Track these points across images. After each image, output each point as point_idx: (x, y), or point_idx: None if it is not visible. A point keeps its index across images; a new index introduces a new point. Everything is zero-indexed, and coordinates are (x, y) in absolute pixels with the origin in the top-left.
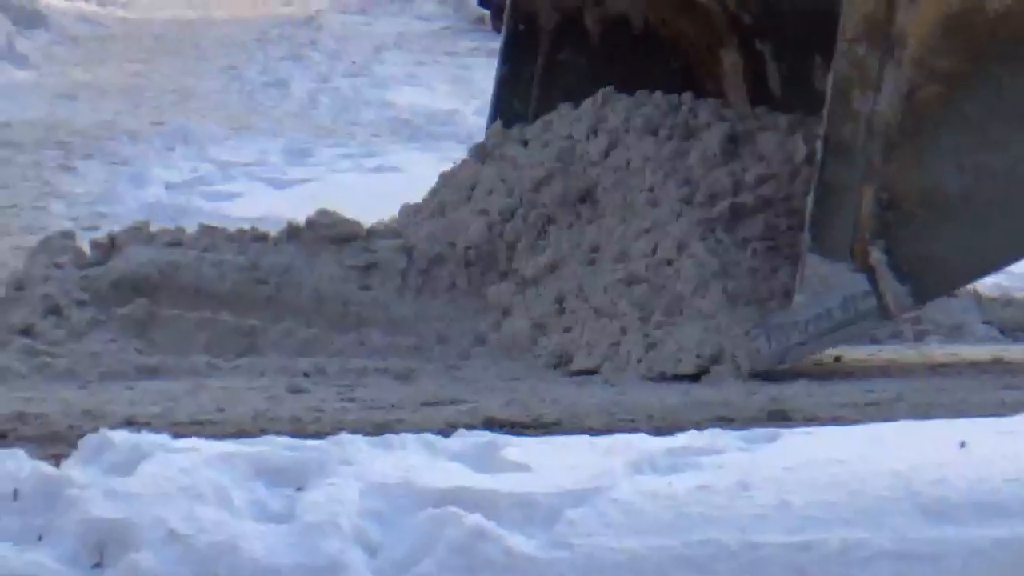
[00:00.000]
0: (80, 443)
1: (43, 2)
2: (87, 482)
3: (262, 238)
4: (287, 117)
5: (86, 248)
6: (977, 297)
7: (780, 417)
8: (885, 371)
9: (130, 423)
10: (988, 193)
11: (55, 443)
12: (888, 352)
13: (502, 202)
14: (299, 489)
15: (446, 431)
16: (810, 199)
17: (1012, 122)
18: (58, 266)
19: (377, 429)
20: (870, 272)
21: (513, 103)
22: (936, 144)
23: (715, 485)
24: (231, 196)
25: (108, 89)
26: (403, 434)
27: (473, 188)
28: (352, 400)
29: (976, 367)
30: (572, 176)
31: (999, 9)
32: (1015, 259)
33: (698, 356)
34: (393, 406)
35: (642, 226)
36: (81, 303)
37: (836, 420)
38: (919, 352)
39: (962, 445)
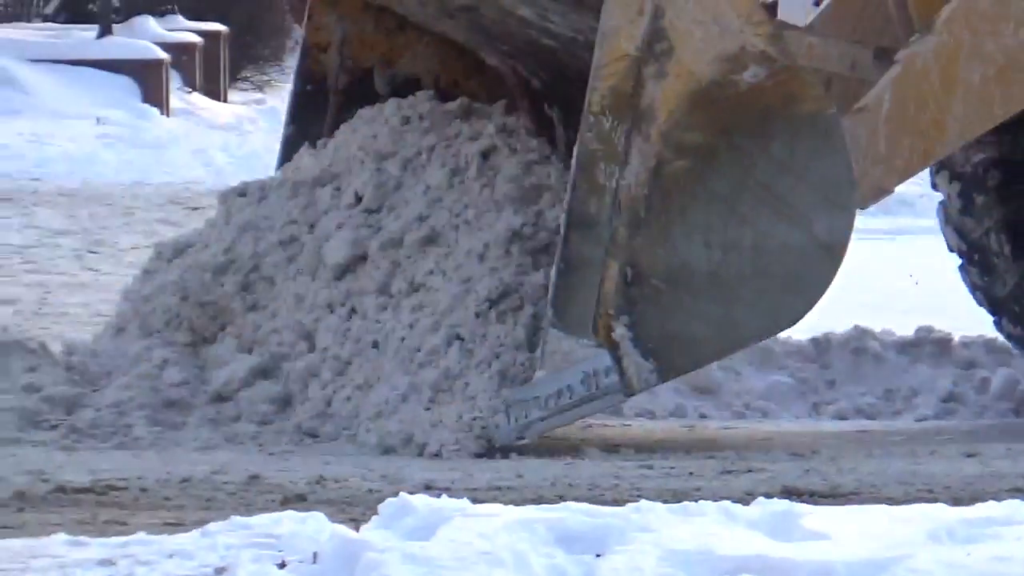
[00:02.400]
0: (380, 507)
1: None
2: (386, 546)
3: None
4: None
5: None
6: None
7: None
8: None
9: (428, 488)
10: (736, 269)
11: (353, 506)
12: None
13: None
14: (598, 555)
15: (744, 499)
16: (553, 273)
17: (760, 197)
18: None
19: (675, 497)
20: (613, 348)
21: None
22: (683, 219)
23: (1014, 556)
24: None
25: None
26: (701, 502)
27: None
28: (650, 467)
29: None
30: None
31: (748, 83)
32: (763, 336)
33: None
34: (691, 474)
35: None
36: None
37: None
38: None
39: None
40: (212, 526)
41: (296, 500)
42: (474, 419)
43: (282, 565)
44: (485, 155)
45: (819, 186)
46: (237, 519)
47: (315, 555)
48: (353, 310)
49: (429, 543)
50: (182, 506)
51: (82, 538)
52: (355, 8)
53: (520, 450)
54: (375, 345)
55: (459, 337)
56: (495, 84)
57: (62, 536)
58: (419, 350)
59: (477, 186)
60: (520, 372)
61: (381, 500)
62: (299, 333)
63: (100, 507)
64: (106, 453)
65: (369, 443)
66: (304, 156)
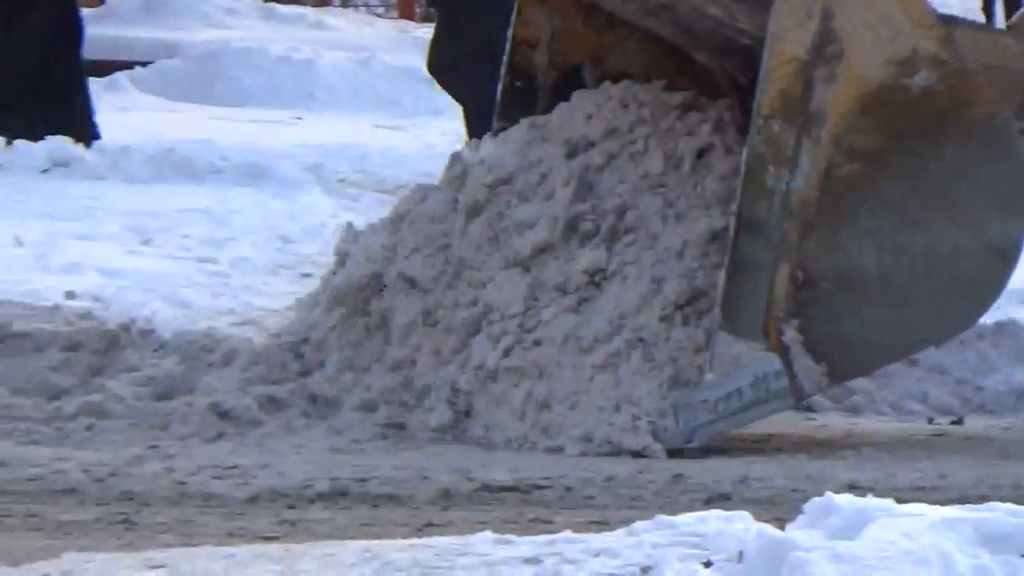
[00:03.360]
0: (805, 507)
1: None
2: (812, 545)
3: None
4: None
5: None
6: None
7: None
8: None
9: (852, 488)
10: (907, 273)
11: (777, 506)
12: None
13: None
14: (1022, 556)
15: None
16: (722, 276)
17: (932, 202)
18: None
19: None
20: (783, 352)
21: None
22: (854, 223)
23: None
24: None
25: None
26: None
27: None
28: None
29: None
30: None
31: (921, 87)
32: (934, 341)
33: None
34: None
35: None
36: None
37: None
38: None
39: None
40: (638, 525)
41: (720, 499)
42: (643, 421)
43: (708, 564)
44: (700, 153)
45: (993, 191)
46: (662, 518)
47: (741, 554)
48: (536, 299)
49: (854, 542)
50: (606, 505)
51: (508, 536)
52: (565, 4)
53: (944, 449)
54: (555, 339)
55: (641, 340)
56: (705, 82)
57: (488, 534)
58: (599, 350)
59: (688, 183)
60: (691, 375)
61: (804, 500)
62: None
63: (525, 505)
64: (529, 454)
65: (541, 443)
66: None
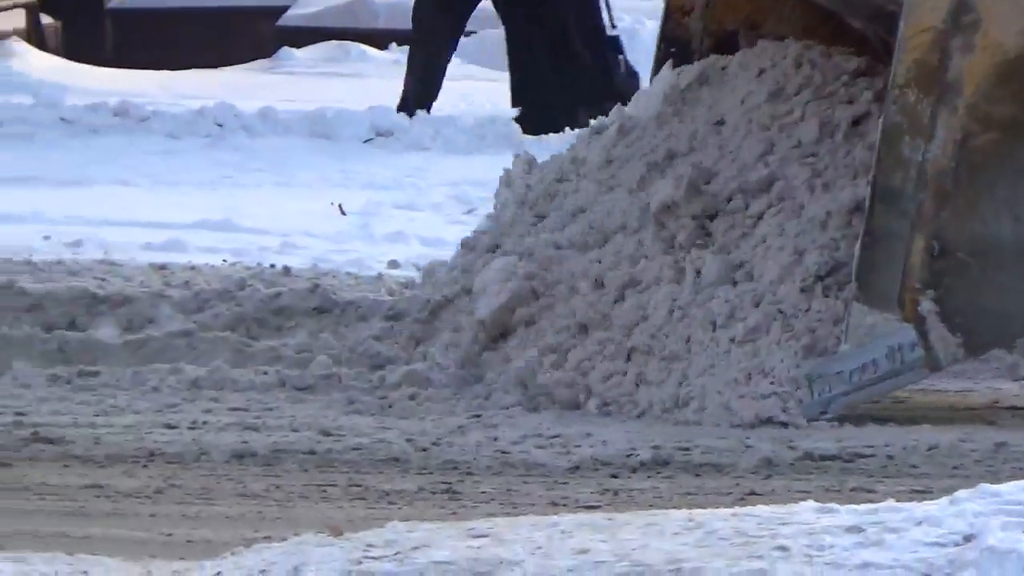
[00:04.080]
0: None
1: None
2: None
3: None
4: None
5: None
6: None
7: None
8: None
9: None
10: None
11: None
12: None
13: None
14: None
15: None
16: (857, 247)
17: None
18: None
19: None
20: (918, 322)
21: None
22: (991, 193)
23: None
24: None
25: None
26: None
27: None
28: None
29: None
30: None
31: None
32: None
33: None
34: None
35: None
36: None
37: None
38: None
39: None
40: (960, 493)
41: None
42: (778, 393)
43: None
44: (856, 121)
45: None
46: (986, 487)
47: None
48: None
49: None
50: (928, 474)
51: (831, 504)
52: None
53: None
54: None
55: (781, 312)
56: (861, 48)
57: (811, 503)
58: (737, 321)
59: (840, 152)
60: (829, 346)
61: None
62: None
63: (847, 474)
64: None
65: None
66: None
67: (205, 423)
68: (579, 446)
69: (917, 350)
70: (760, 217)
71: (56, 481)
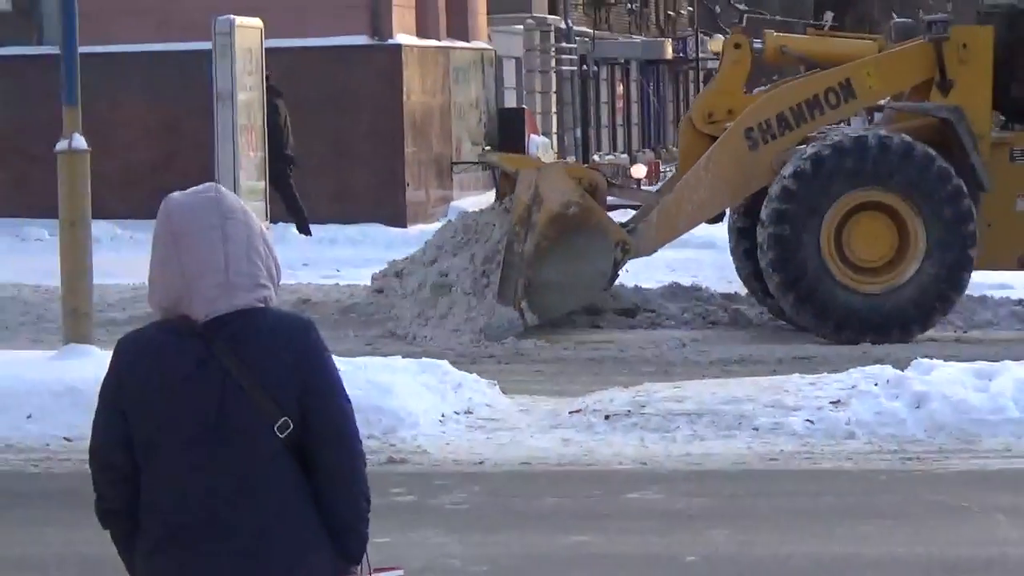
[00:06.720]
0: None
1: None
2: None
3: None
4: None
5: None
6: None
7: None
8: None
9: None
10: None
11: None
12: None
13: None
14: None
15: None
16: (498, 275)
17: None
18: None
19: None
20: (520, 311)
21: None
22: (549, 263)
23: None
24: None
25: None
26: None
27: None
28: None
29: None
30: None
31: None
32: None
33: None
34: None
35: None
36: None
37: None
38: None
39: None
40: None
41: None
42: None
43: None
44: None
45: None
46: None
47: None
48: None
49: None
50: None
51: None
52: None
53: None
54: None
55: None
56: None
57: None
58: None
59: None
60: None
61: None
62: None
63: None
64: None
65: None
66: None
67: None
68: None
69: (517, 321)
70: None
71: None
